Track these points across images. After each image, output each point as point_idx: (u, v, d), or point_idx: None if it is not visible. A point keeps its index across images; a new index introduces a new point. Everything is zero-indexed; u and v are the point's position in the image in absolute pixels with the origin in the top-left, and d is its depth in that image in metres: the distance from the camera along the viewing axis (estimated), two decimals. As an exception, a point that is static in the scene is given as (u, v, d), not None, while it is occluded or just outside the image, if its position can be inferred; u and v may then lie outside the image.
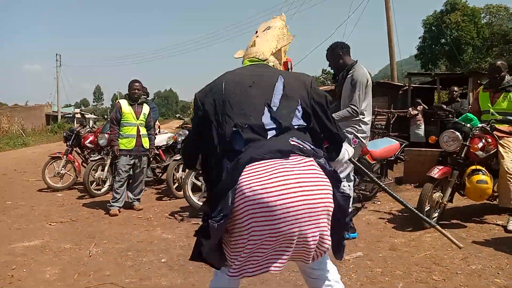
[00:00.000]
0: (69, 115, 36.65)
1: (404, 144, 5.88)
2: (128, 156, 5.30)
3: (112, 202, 5.29)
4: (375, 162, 5.49)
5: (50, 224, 4.77)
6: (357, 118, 3.74)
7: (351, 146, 3.61)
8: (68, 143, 7.16)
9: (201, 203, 4.79)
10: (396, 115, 12.52)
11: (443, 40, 29.06)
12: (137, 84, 5.43)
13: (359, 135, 3.80)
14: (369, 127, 3.92)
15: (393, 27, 16.24)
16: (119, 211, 5.30)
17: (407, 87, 13.12)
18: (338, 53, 3.88)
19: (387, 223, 4.53)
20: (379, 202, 5.70)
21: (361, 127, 3.80)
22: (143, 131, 5.41)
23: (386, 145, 5.64)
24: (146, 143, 5.43)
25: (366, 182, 5.54)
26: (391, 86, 13.85)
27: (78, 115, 15.12)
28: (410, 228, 4.23)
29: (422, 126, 10.09)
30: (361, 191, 5.45)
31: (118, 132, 5.29)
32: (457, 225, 4.34)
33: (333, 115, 3.57)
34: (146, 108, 5.51)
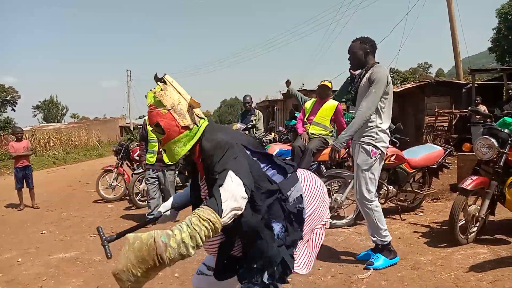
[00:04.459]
0: (141, 126, 39.15)
1: (449, 150, 5.44)
2: (151, 170, 5.51)
3: (147, 215, 5.54)
4: (414, 171, 5.16)
5: (91, 236, 5.10)
6: (373, 125, 3.37)
7: (371, 158, 3.41)
8: (118, 157, 7.62)
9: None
10: (458, 115, 11.70)
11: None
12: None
13: (378, 144, 3.39)
14: (387, 136, 3.47)
15: (456, 18, 15.15)
16: (155, 223, 5.51)
17: (470, 85, 12.16)
18: (366, 49, 3.45)
19: (420, 237, 4.23)
20: (421, 213, 5.35)
21: (379, 135, 3.37)
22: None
23: (426, 152, 5.28)
24: (167, 158, 5.43)
25: (406, 192, 5.24)
26: (453, 84, 12.96)
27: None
28: (444, 244, 3.92)
29: (486, 128, 9.27)
30: (399, 202, 5.16)
31: (145, 148, 5.53)
32: (500, 241, 3.93)
33: (347, 129, 3.37)
34: None
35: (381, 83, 3.30)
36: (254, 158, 1.72)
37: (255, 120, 7.47)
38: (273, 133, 8.27)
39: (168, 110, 1.68)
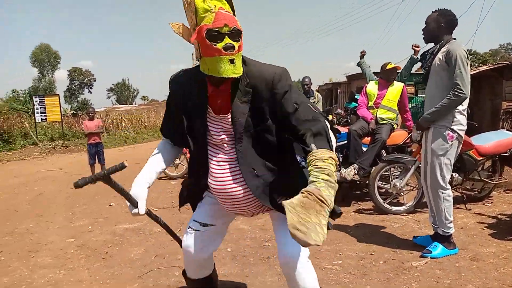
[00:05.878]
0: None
1: (525, 137, 4.99)
2: None
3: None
4: (483, 158, 4.82)
5: (153, 210, 5.42)
6: None
7: (447, 143, 3.21)
8: (181, 136, 7.93)
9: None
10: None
11: None
12: None
13: (455, 128, 3.18)
14: (465, 118, 3.23)
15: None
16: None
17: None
18: (439, 22, 3.21)
19: (485, 228, 3.97)
20: (490, 204, 5.01)
21: (456, 117, 3.16)
22: None
23: (498, 139, 4.90)
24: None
25: (473, 180, 4.92)
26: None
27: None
28: (511, 236, 3.65)
29: None
30: (464, 191, 4.87)
31: None
32: None
33: (432, 110, 3.18)
34: None
35: (464, 61, 3.07)
36: None
37: (313, 102, 7.37)
38: (331, 116, 8.08)
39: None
